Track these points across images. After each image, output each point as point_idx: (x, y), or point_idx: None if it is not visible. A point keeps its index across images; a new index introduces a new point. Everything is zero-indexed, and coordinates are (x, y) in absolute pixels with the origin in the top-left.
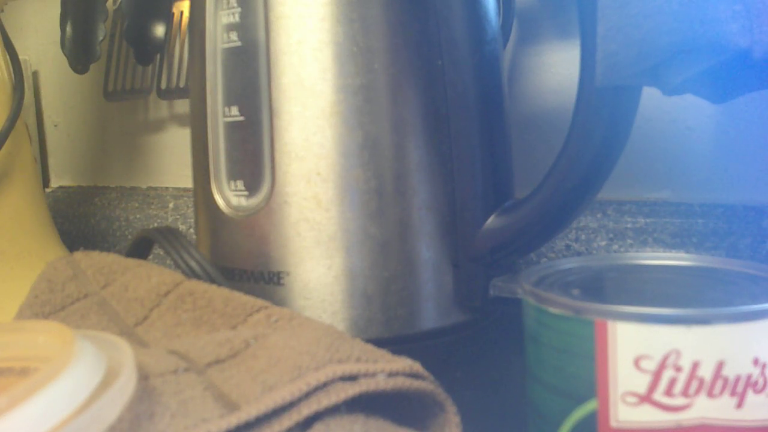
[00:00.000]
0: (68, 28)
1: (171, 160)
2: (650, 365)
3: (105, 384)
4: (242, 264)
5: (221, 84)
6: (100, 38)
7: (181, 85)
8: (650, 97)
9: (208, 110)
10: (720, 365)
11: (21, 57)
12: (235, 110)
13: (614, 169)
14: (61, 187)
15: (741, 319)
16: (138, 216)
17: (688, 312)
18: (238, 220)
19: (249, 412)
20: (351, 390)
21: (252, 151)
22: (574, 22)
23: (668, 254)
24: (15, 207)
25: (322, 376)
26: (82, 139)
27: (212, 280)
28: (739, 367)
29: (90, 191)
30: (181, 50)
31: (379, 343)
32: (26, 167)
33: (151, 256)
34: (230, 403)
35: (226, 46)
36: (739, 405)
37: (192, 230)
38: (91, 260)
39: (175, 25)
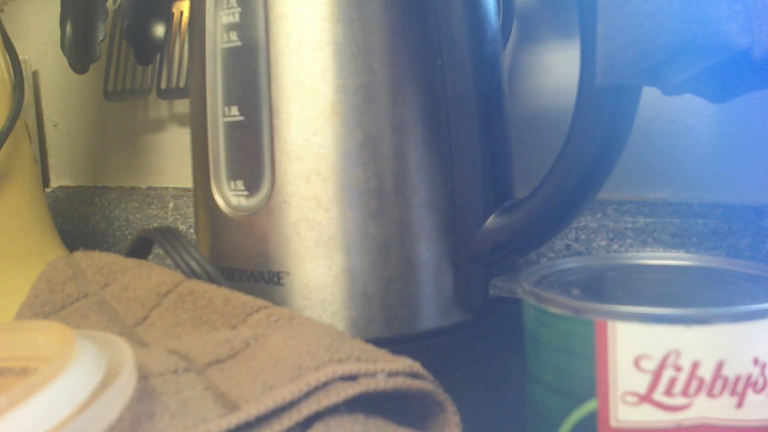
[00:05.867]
0: (68, 28)
1: (171, 160)
2: (650, 365)
3: (105, 384)
4: (242, 264)
5: (221, 84)
6: (100, 38)
7: (181, 85)
8: (650, 97)
9: (208, 110)
10: (720, 365)
11: (21, 57)
12: (235, 110)
13: (614, 169)
14: (61, 187)
15: (741, 319)
16: (138, 216)
17: (688, 312)
18: (238, 220)
19: (249, 411)
20: (351, 390)
21: (252, 151)
22: (574, 22)
23: (668, 254)
24: (15, 207)
25: (322, 376)
26: (82, 139)
27: (212, 280)
28: (739, 366)
29: (90, 191)
30: (181, 50)
31: (379, 343)
32: (26, 167)
33: (151, 256)
34: (230, 402)
35: (226, 46)
36: (739, 405)
37: (192, 230)
38: (91, 260)
39: (175, 25)
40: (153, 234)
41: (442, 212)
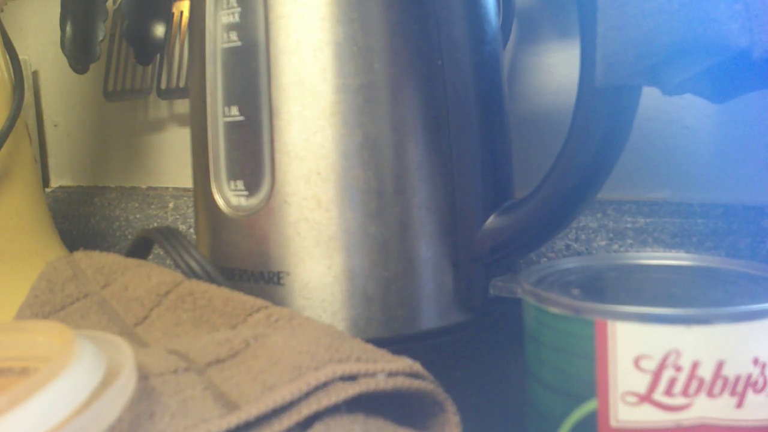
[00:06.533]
0: (68, 28)
1: (171, 160)
2: (650, 365)
3: (105, 384)
4: (242, 264)
5: (221, 84)
6: (100, 38)
7: (181, 85)
8: (650, 97)
9: (208, 110)
10: (720, 365)
11: (21, 57)
12: (235, 110)
13: (614, 169)
14: (61, 187)
15: (741, 319)
16: (138, 216)
17: (688, 312)
18: (238, 220)
19: (249, 411)
20: (351, 390)
21: (252, 151)
22: (574, 22)
23: (668, 254)
24: (15, 207)
25: (322, 375)
26: (82, 139)
27: (212, 280)
28: (739, 366)
29: (90, 191)
30: (181, 50)
31: (379, 343)
32: (26, 167)
33: (151, 256)
34: (230, 402)
35: (226, 46)
36: (739, 405)
37: (192, 230)
38: (91, 260)
39: (175, 25)
40: (153, 234)
41: (442, 212)
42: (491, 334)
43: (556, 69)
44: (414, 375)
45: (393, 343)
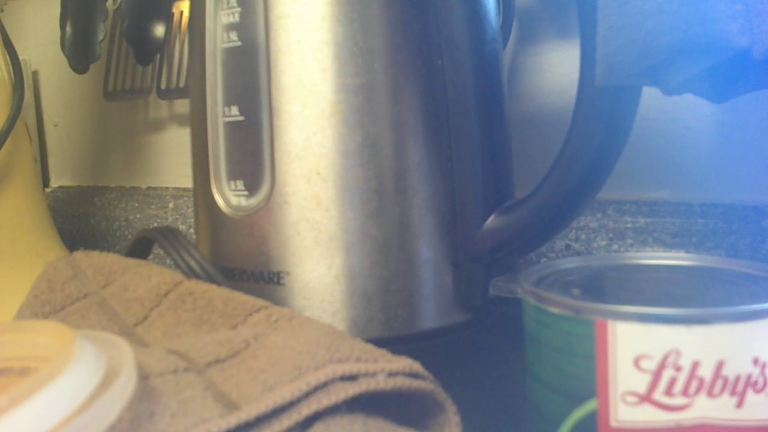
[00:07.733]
0: (68, 28)
1: (171, 160)
2: (650, 365)
3: (105, 384)
4: (242, 264)
5: (221, 84)
6: (100, 38)
7: (181, 85)
8: (650, 97)
9: (208, 110)
10: (720, 365)
11: (21, 57)
12: (235, 110)
13: (614, 169)
14: (61, 187)
15: (741, 319)
16: (138, 216)
17: (688, 312)
18: (238, 220)
19: (249, 411)
20: (351, 390)
21: (252, 150)
22: (574, 22)
23: (668, 254)
24: (15, 207)
25: (322, 375)
26: (82, 139)
27: (212, 280)
28: (739, 366)
29: (90, 191)
30: (181, 50)
31: (379, 343)
32: (26, 167)
33: (151, 256)
34: (230, 402)
35: (226, 46)
36: (739, 405)
37: (192, 230)
38: (91, 260)
39: (175, 25)
40: (153, 234)
41: (442, 212)
42: (491, 334)
43: (556, 69)
44: (414, 375)
45: (393, 343)
